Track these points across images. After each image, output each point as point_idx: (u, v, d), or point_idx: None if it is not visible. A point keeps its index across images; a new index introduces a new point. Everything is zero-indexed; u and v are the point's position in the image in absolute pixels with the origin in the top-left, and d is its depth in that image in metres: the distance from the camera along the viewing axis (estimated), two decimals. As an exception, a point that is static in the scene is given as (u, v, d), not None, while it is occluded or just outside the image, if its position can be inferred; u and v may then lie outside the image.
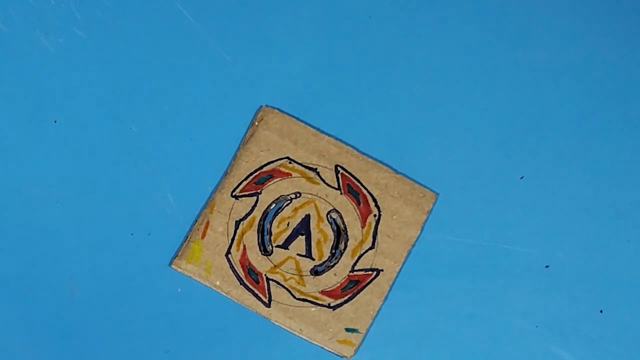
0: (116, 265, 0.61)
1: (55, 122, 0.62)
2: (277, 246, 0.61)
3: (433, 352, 0.61)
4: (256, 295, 0.60)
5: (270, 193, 0.61)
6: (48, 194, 0.62)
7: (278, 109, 0.62)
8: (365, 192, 0.61)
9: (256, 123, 0.62)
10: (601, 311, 0.61)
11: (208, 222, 0.61)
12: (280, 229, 0.61)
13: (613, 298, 0.61)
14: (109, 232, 0.61)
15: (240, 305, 0.60)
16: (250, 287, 0.60)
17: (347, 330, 0.60)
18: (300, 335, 0.60)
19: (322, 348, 0.60)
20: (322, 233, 0.61)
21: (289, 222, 0.61)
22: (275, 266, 0.61)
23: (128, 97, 0.63)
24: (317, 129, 0.62)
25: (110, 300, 0.61)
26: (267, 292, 0.60)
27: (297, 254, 0.61)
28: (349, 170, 0.62)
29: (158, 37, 0.63)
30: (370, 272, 0.61)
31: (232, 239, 0.61)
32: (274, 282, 0.60)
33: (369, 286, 0.61)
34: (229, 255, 0.61)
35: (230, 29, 0.64)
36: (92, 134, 0.62)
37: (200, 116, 0.63)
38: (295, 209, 0.61)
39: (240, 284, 0.60)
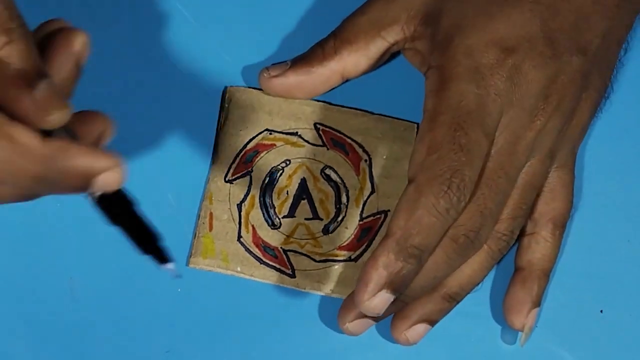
0: (116, 265, 0.61)
1: (55, 122, 0.62)
2: (284, 217, 0.61)
3: (433, 352, 0.60)
4: (279, 270, 0.60)
5: (261, 168, 0.61)
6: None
7: (242, 86, 0.62)
8: (349, 141, 0.62)
9: (226, 105, 0.62)
10: (601, 311, 0.61)
11: (211, 214, 0.61)
12: (281, 200, 0.61)
13: (613, 298, 0.61)
14: (109, 232, 0.61)
15: (240, 306, 0.60)
16: (271, 263, 0.60)
17: None
18: (333, 296, 0.60)
19: None
20: (322, 192, 0.61)
21: (287, 191, 0.61)
22: (288, 237, 0.61)
23: (128, 97, 0.62)
24: None
25: (110, 300, 0.61)
26: (288, 263, 0.60)
27: (305, 219, 0.61)
28: (328, 125, 0.62)
29: (158, 37, 0.63)
30: (378, 216, 0.61)
31: (240, 223, 0.61)
32: (291, 252, 0.60)
33: (381, 229, 0.61)
34: (241, 239, 0.61)
35: (230, 29, 0.64)
36: (92, 133, 0.62)
37: (200, 116, 0.63)
38: (290, 177, 0.61)
39: (261, 263, 0.60)
